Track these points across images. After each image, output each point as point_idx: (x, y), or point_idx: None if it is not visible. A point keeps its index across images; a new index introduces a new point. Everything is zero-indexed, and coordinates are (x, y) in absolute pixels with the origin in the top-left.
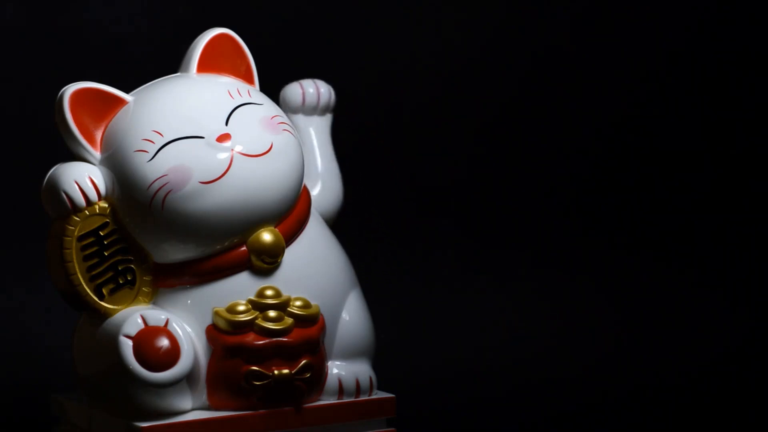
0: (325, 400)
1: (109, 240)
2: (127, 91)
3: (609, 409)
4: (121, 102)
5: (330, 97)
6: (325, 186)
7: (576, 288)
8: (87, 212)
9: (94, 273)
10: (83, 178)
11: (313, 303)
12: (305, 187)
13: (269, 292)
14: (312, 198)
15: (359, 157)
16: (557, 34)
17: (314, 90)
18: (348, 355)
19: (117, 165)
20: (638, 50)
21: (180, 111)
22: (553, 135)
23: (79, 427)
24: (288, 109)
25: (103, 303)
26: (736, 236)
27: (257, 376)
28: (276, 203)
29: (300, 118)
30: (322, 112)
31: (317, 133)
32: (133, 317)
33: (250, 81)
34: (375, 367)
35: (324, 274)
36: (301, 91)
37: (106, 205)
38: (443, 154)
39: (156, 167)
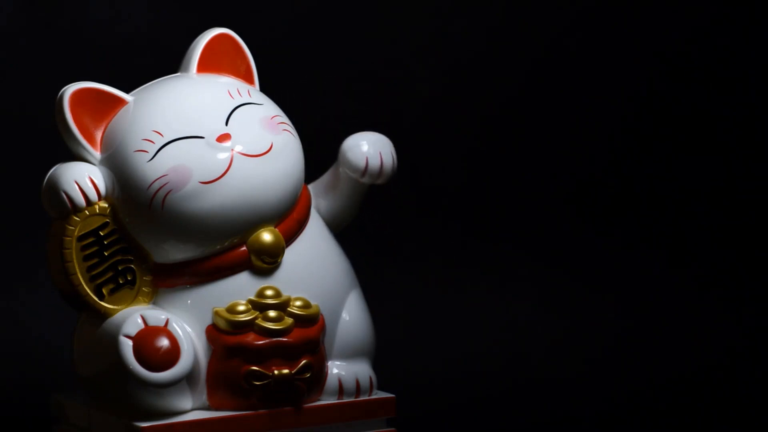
0: (325, 400)
1: (109, 240)
2: (127, 91)
3: (609, 409)
4: (121, 102)
5: (392, 173)
6: (342, 213)
7: (576, 288)
8: (87, 212)
9: (94, 273)
10: (83, 178)
11: (313, 303)
12: (305, 187)
13: (269, 292)
14: (325, 212)
15: None
16: (557, 34)
17: (377, 171)
18: (348, 355)
19: (117, 165)
20: (639, 49)
21: (180, 111)
22: (553, 134)
23: (79, 427)
24: (342, 165)
25: (103, 303)
26: (737, 236)
27: (257, 376)
28: (276, 203)
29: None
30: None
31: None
32: (133, 317)
33: (250, 81)
34: (375, 367)
35: (324, 274)
36: (364, 165)
37: (106, 205)
38: (443, 153)
39: (156, 167)
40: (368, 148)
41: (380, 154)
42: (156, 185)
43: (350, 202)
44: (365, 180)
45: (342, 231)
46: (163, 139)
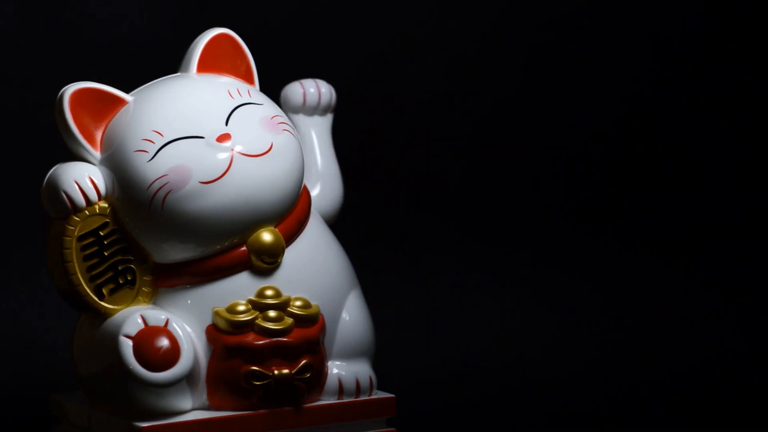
0: (325, 400)
1: (109, 240)
2: (127, 91)
3: (608, 409)
4: (121, 102)
5: (331, 97)
6: (325, 186)
7: (575, 288)
8: (87, 212)
9: (94, 273)
10: (83, 178)
11: (313, 303)
12: (305, 187)
13: (269, 292)
14: (312, 198)
15: (359, 157)
16: (556, 33)
17: (315, 90)
18: (348, 355)
19: (117, 165)
20: (639, 49)
21: (180, 111)
22: (553, 134)
23: (79, 427)
24: (289, 108)
25: (103, 303)
26: (737, 236)
27: (257, 376)
28: (276, 203)
29: (300, 118)
30: (323, 112)
31: (318, 133)
32: (133, 317)
33: (250, 81)
34: (375, 367)
35: (324, 274)
36: (302, 90)
37: (106, 205)
38: (443, 153)
39: (156, 167)
40: (303, 82)
41: (315, 83)
42: (156, 185)
43: (324, 151)
44: (307, 110)
45: (342, 231)
46: (163, 139)
